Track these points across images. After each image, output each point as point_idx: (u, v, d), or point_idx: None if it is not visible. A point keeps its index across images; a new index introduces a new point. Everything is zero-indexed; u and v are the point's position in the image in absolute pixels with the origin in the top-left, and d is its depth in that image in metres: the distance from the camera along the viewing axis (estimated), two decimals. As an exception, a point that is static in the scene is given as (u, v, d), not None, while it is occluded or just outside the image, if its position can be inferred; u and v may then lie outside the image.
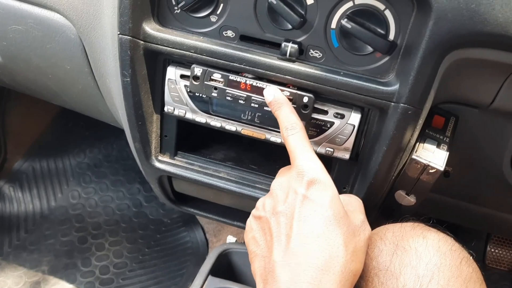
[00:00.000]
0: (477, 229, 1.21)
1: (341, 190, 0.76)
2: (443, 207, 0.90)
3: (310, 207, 0.55)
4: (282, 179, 0.61)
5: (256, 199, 0.79)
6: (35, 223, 1.61)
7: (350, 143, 0.69)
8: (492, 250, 1.35)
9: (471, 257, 0.61)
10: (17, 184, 1.70)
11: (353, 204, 0.62)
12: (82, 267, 1.50)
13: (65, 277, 1.48)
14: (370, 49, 0.63)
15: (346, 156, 0.71)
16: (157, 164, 0.80)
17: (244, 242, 1.29)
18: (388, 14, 0.61)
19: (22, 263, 1.50)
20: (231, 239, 1.40)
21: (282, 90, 0.66)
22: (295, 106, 0.66)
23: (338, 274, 0.52)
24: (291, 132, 0.61)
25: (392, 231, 0.64)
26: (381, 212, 0.78)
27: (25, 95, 1.38)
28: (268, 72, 0.66)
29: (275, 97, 0.64)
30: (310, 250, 0.53)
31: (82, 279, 1.46)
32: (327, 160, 0.80)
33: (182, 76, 0.70)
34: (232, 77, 0.67)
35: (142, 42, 0.67)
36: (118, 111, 0.82)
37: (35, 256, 1.51)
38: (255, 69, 0.66)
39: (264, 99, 0.67)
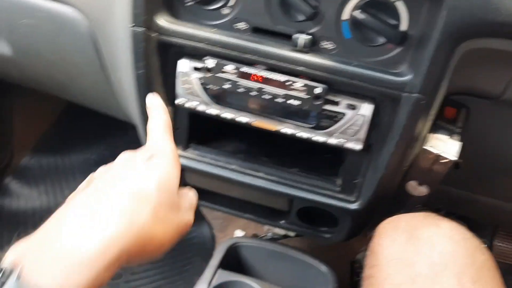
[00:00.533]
0: (484, 223, 1.22)
1: (352, 181, 0.77)
2: (452, 199, 0.91)
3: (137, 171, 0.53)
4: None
5: (267, 190, 0.79)
6: (43, 218, 1.60)
7: (362, 134, 0.70)
8: (499, 244, 1.35)
9: (484, 246, 0.62)
10: (24, 180, 1.71)
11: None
12: (89, 263, 1.50)
13: (73, 273, 1.47)
14: (382, 40, 0.64)
15: (358, 147, 0.71)
16: (169, 157, 0.80)
17: (252, 236, 1.29)
18: (400, 4, 0.61)
19: (30, 258, 1.50)
20: (239, 233, 1.41)
21: (294, 82, 0.67)
22: (308, 97, 0.67)
23: None
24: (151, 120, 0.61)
25: (405, 221, 0.65)
26: (391, 202, 0.79)
27: (31, 92, 1.38)
28: (280, 63, 0.66)
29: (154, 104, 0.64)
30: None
31: (90, 274, 1.47)
32: (338, 151, 0.81)
33: (195, 69, 0.71)
34: (244, 68, 0.68)
35: (155, 34, 0.68)
36: (130, 105, 0.82)
37: (43, 252, 1.51)
38: (268, 60, 0.66)
39: (277, 90, 0.67)
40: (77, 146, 1.80)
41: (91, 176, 0.58)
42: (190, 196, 0.59)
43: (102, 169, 0.58)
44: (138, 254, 0.47)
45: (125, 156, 0.58)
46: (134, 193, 0.49)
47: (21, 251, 0.45)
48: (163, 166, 0.54)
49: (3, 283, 0.41)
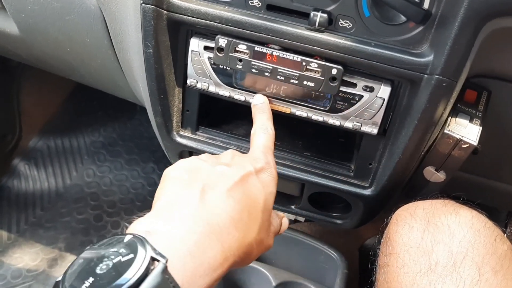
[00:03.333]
0: (498, 209, 1.19)
1: (367, 166, 0.74)
2: (468, 185, 0.88)
3: (255, 182, 0.55)
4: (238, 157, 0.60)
5: (279, 175, 0.77)
6: (51, 200, 1.61)
7: (379, 118, 0.67)
8: (513, 230, 1.33)
9: (504, 235, 0.60)
10: (32, 162, 1.71)
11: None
12: (98, 245, 1.51)
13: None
14: (403, 18, 0.61)
15: (374, 131, 0.69)
16: (179, 139, 0.78)
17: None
18: (423, -19, 0.59)
19: (39, 240, 1.50)
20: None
21: (309, 62, 0.64)
22: (322, 78, 0.64)
23: None
24: (262, 131, 0.64)
25: (423, 208, 0.63)
26: (406, 189, 0.76)
27: (39, 74, 1.37)
28: (295, 42, 0.63)
29: (264, 102, 0.68)
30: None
31: (98, 256, 1.47)
32: (352, 135, 0.79)
33: (206, 48, 0.68)
34: (258, 48, 0.65)
35: (165, 11, 0.65)
36: (139, 85, 0.80)
37: (52, 233, 1.52)
38: (282, 39, 0.64)
39: (291, 71, 0.65)
40: (85, 129, 1.80)
41: (197, 158, 0.58)
42: (280, 222, 0.63)
43: (211, 159, 0.58)
44: (240, 263, 0.51)
45: (236, 157, 0.59)
46: (249, 207, 0.52)
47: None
48: (271, 186, 0.58)
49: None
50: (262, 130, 0.64)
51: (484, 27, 0.58)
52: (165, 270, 0.40)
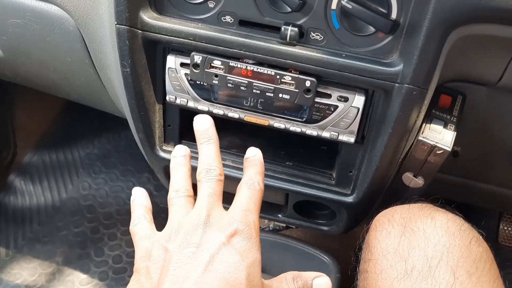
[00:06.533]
0: (489, 208, 1.20)
1: (347, 174, 0.75)
2: (452, 187, 0.89)
3: (229, 255, 0.48)
4: (209, 217, 0.52)
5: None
6: (47, 215, 1.62)
7: (355, 126, 0.68)
8: (505, 228, 1.33)
9: (481, 237, 0.61)
10: (27, 177, 1.72)
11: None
12: (95, 257, 1.52)
13: (79, 267, 1.49)
14: (372, 29, 0.62)
15: (351, 139, 0.70)
16: (162, 154, 0.80)
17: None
18: (389, -8, 0.60)
19: (36, 255, 1.51)
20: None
21: (283, 75, 0.65)
22: (297, 90, 0.65)
23: None
24: (247, 187, 0.55)
25: (400, 213, 0.64)
26: (388, 194, 0.77)
27: (32, 89, 1.38)
28: (268, 57, 0.64)
29: (256, 155, 0.60)
30: None
31: (95, 268, 1.48)
32: (334, 144, 0.80)
33: (182, 64, 0.70)
34: (232, 63, 0.66)
35: (140, 31, 0.66)
36: (121, 101, 0.81)
37: (49, 248, 1.52)
38: (256, 54, 0.65)
39: (266, 85, 0.66)
40: (79, 141, 1.80)
41: (158, 243, 0.51)
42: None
43: (173, 236, 0.51)
44: None
45: (210, 220, 0.51)
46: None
47: None
48: (252, 251, 0.49)
49: None
50: (248, 185, 0.55)
51: (451, 35, 0.58)
52: None
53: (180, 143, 0.80)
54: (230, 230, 0.50)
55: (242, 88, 0.67)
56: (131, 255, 1.52)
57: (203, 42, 0.65)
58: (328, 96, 0.67)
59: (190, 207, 0.55)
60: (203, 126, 0.61)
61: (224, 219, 0.51)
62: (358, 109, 0.67)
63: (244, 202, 0.53)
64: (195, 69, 0.68)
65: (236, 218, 0.51)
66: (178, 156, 0.62)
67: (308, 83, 0.65)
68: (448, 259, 0.56)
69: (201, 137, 0.61)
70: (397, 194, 0.75)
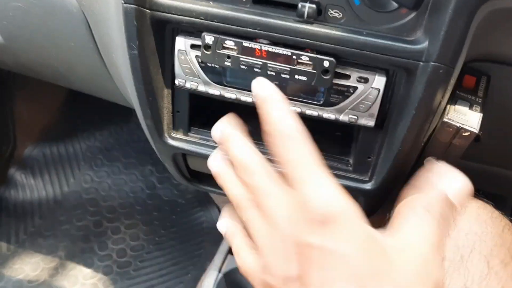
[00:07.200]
0: (504, 196, 1.17)
1: (366, 160, 0.72)
2: (473, 174, 0.86)
3: (331, 265, 0.39)
4: (281, 219, 0.41)
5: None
6: (49, 209, 1.59)
7: (375, 109, 0.65)
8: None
9: (513, 224, 0.58)
10: (28, 171, 1.69)
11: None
12: (99, 251, 1.49)
13: (82, 262, 1.47)
14: (394, 5, 0.58)
15: (371, 123, 0.66)
16: (171, 141, 0.76)
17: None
18: (413, -36, 0.56)
19: (39, 249, 1.49)
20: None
21: (300, 55, 0.62)
22: (314, 72, 0.62)
23: None
24: (290, 141, 0.43)
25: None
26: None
27: (32, 81, 1.34)
28: (284, 36, 0.61)
29: (273, 90, 0.48)
30: None
31: (99, 263, 1.45)
32: (349, 129, 0.76)
33: (193, 46, 0.66)
34: (246, 43, 0.63)
35: (148, 10, 0.63)
36: (127, 88, 0.78)
37: (51, 242, 1.50)
38: (271, 33, 0.61)
39: (281, 66, 0.63)
40: (81, 134, 1.78)
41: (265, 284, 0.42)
42: None
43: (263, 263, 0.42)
44: None
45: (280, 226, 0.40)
46: None
47: None
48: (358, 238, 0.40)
49: None
50: (287, 137, 0.43)
51: (480, 9, 0.55)
52: None
53: (189, 130, 0.77)
54: (317, 225, 0.42)
55: (256, 69, 0.64)
56: (135, 248, 1.49)
57: (215, 21, 0.62)
58: (347, 77, 0.63)
59: None
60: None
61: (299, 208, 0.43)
62: (379, 90, 0.63)
63: (306, 169, 0.43)
64: (206, 50, 0.64)
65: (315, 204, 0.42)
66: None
67: (326, 64, 0.61)
68: (481, 248, 0.53)
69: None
70: (418, 181, 0.72)
